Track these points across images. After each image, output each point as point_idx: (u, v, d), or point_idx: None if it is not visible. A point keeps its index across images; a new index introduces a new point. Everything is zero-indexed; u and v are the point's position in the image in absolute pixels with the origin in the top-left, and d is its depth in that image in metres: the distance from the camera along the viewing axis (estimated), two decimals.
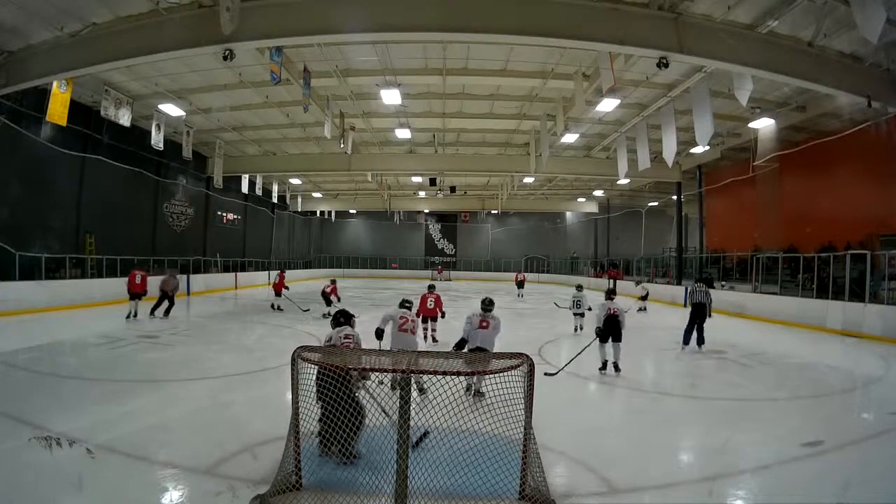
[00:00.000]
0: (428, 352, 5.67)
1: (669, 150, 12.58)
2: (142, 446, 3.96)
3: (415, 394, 3.01)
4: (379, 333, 5.75)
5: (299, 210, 32.89)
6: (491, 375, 3.12)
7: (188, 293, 17.48)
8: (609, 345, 6.98)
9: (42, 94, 11.43)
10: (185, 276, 16.82)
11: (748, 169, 16.43)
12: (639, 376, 7.18)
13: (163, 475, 3.51)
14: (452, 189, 26.56)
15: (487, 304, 5.79)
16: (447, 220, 40.10)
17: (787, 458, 4.04)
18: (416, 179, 26.16)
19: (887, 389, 6.80)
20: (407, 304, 6.26)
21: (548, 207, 33.96)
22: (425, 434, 3.10)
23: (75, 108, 12.50)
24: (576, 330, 10.73)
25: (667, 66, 9.10)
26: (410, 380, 2.90)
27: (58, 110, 10.91)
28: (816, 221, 14.82)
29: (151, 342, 8.86)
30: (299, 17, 8.79)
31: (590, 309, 10.18)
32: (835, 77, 9.97)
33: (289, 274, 15.42)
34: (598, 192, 30.16)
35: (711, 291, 9.72)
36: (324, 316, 12.11)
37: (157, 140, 14.47)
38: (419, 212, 38.85)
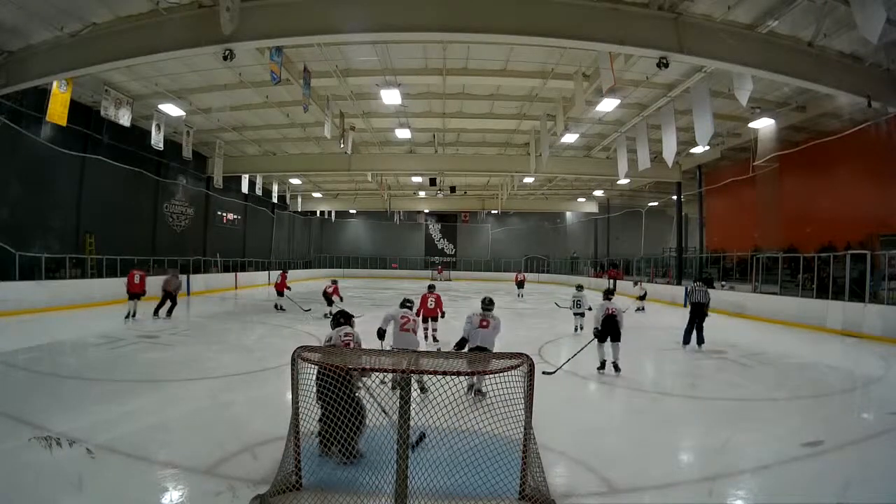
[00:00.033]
0: (429, 352, 5.68)
1: (669, 150, 12.58)
2: (142, 446, 3.96)
3: (415, 393, 3.01)
4: (381, 333, 5.79)
5: (299, 210, 32.89)
6: (491, 375, 3.13)
7: (188, 293, 17.48)
8: (608, 345, 6.99)
9: (42, 94, 11.43)
10: (185, 276, 16.80)
11: (748, 169, 16.43)
12: (639, 376, 7.18)
13: (163, 475, 3.51)
14: (452, 189, 26.57)
15: (487, 304, 5.81)
16: (447, 220, 40.11)
17: (787, 458, 4.04)
18: (416, 179, 26.16)
19: (887, 389, 6.80)
20: (408, 304, 6.28)
21: (548, 207, 33.96)
22: (422, 436, 3.10)
23: (75, 108, 12.51)
24: (576, 330, 10.74)
25: (667, 66, 9.10)
26: (410, 379, 2.91)
27: (58, 110, 10.91)
28: (816, 221, 14.82)
29: (151, 342, 8.86)
30: (299, 17, 8.79)
31: (590, 309, 10.18)
32: (835, 77, 9.97)
33: (289, 274, 15.41)
34: (598, 192, 30.17)
35: (710, 291, 9.74)
36: (325, 316, 12.11)
37: (157, 140, 14.47)
38: (419, 212, 38.85)
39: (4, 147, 12.37)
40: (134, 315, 11.23)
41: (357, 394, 3.53)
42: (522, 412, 3.09)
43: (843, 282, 11.64)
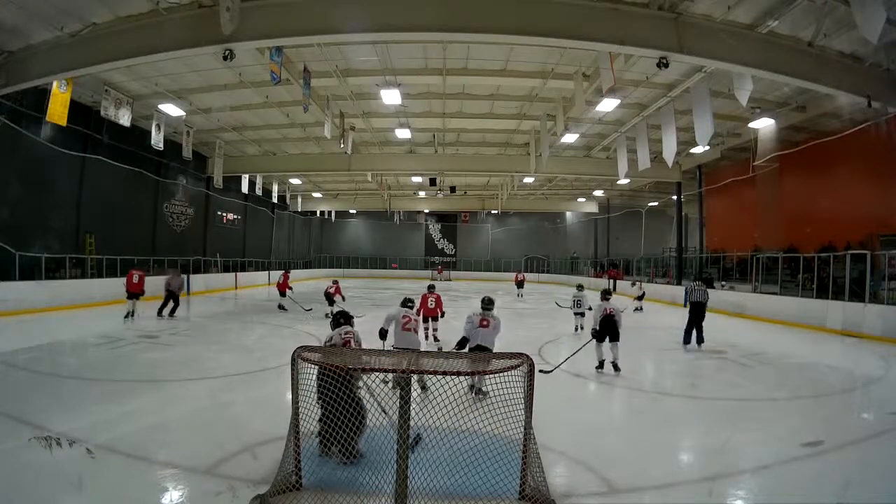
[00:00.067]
0: (429, 351, 5.69)
1: (669, 150, 12.58)
2: (142, 446, 3.96)
3: (415, 393, 3.01)
4: (383, 334, 5.84)
5: (299, 210, 32.89)
6: (491, 375, 3.13)
7: (188, 293, 17.47)
8: (606, 345, 7.02)
9: (42, 94, 11.43)
10: (185, 276, 16.81)
11: (748, 169, 16.43)
12: (639, 376, 7.18)
13: (163, 475, 3.51)
14: (452, 189, 26.57)
15: (487, 304, 5.85)
16: (447, 220, 40.11)
17: (787, 458, 4.04)
18: (416, 179, 26.16)
19: (887, 389, 6.80)
20: (409, 304, 6.32)
21: (548, 207, 33.96)
22: (418, 438, 3.10)
23: (75, 108, 12.51)
24: (576, 329, 10.75)
25: (667, 66, 9.10)
26: (410, 379, 2.91)
27: (58, 110, 10.91)
28: (816, 221, 14.82)
29: (151, 342, 8.86)
30: (299, 17, 8.79)
31: (590, 308, 10.19)
32: (835, 77, 9.97)
33: (290, 274, 15.40)
34: (598, 192, 30.17)
35: (709, 291, 9.77)
36: (326, 316, 12.11)
37: (157, 140, 14.47)
38: (419, 212, 38.86)
39: (4, 147, 12.37)
40: (133, 315, 11.26)
41: (358, 393, 3.53)
42: (522, 412, 3.09)
43: (843, 282, 11.64)
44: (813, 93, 11.98)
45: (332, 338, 4.36)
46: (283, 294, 14.32)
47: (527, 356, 3.09)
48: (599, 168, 21.08)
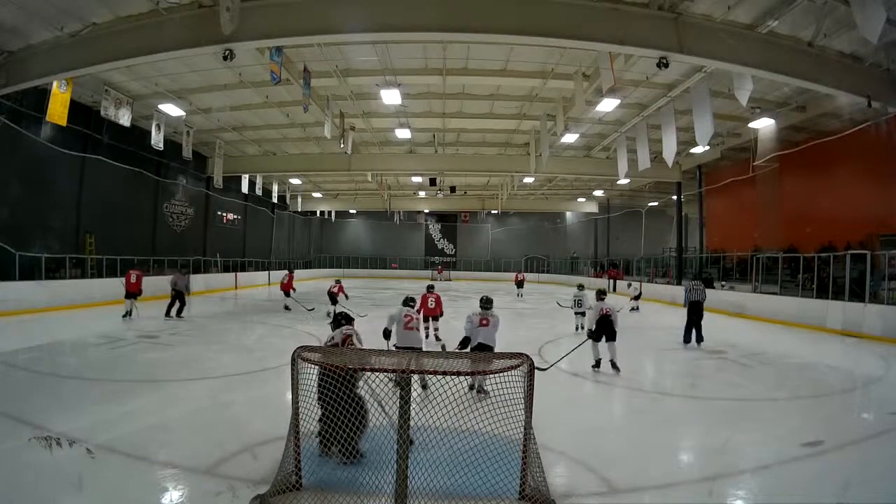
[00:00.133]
0: (430, 351, 5.70)
1: (669, 150, 12.58)
2: (142, 446, 3.96)
3: (415, 394, 3.00)
4: (387, 333, 5.92)
5: (299, 210, 32.89)
6: (491, 375, 3.13)
7: (188, 293, 17.46)
8: (603, 344, 7.06)
9: (42, 94, 11.43)
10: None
11: (748, 169, 16.43)
12: (638, 376, 7.19)
13: (163, 475, 3.51)
14: (452, 189, 26.57)
15: (485, 303, 5.95)
16: (447, 220, 40.11)
17: (787, 458, 4.03)
18: (416, 179, 26.16)
19: (887, 389, 6.80)
20: (411, 303, 6.39)
21: (548, 207, 33.96)
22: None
23: (75, 108, 12.51)
24: (577, 329, 10.75)
25: (667, 66, 9.10)
26: (410, 379, 2.91)
27: (58, 110, 10.91)
28: (816, 221, 14.82)
29: (151, 342, 8.86)
30: (299, 17, 8.79)
31: (591, 308, 10.22)
32: (835, 77, 9.97)
33: (283, 275, 15.42)
34: (598, 192, 30.17)
35: (709, 290, 9.81)
36: (328, 315, 12.10)
37: (157, 140, 14.47)
38: (419, 212, 38.86)
39: (4, 147, 12.37)
40: (131, 314, 11.31)
41: (359, 392, 3.54)
42: (522, 412, 3.09)
43: (843, 282, 11.64)
44: (813, 93, 11.98)
45: (333, 337, 4.37)
46: (287, 294, 14.35)
47: (527, 356, 3.10)
48: (599, 168, 21.08)
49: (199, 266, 21.42)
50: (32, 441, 3.77)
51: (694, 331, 9.36)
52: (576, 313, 10.89)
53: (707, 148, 16.98)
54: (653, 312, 15.76)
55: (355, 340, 4.28)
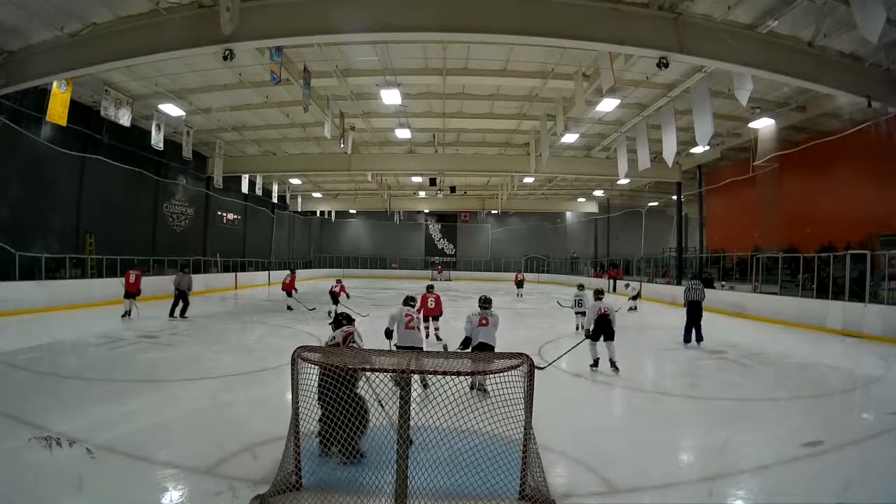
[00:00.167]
0: (430, 351, 5.71)
1: (669, 150, 12.58)
2: (142, 446, 3.96)
3: (415, 394, 3.00)
4: (389, 333, 5.96)
5: (299, 210, 32.89)
6: (491, 375, 3.13)
7: (190, 292, 17.47)
8: (601, 344, 7.08)
9: (42, 94, 11.43)
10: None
11: (748, 169, 16.43)
12: (639, 376, 7.20)
13: (163, 475, 3.51)
14: (452, 189, 26.57)
15: (484, 302, 5.99)
16: (447, 220, 40.11)
17: (787, 458, 4.03)
18: (416, 179, 26.16)
19: (887, 389, 6.80)
20: (412, 302, 6.42)
21: (548, 207, 33.96)
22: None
23: (75, 108, 12.51)
24: (577, 329, 10.75)
25: (667, 66, 9.10)
26: (410, 379, 2.91)
27: (58, 110, 10.91)
28: (816, 221, 14.82)
29: (151, 342, 8.86)
30: (299, 17, 8.79)
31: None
32: (835, 77, 9.97)
33: (285, 275, 15.43)
34: (598, 192, 30.17)
35: (708, 290, 9.85)
36: (329, 314, 12.11)
37: (157, 140, 14.47)
38: (419, 212, 38.85)
39: (4, 147, 12.37)
40: (130, 314, 11.34)
41: (359, 391, 3.54)
42: (522, 412, 3.09)
43: (843, 282, 11.64)
44: (813, 93, 11.98)
45: (334, 337, 4.38)
46: (289, 294, 14.37)
47: (527, 356, 3.10)
48: (599, 168, 21.08)
49: (199, 266, 21.42)
50: (32, 441, 3.77)
51: (694, 330, 9.44)
52: (576, 313, 10.91)
53: (707, 148, 16.98)
54: (653, 312, 15.76)
55: (356, 338, 4.28)
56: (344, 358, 3.50)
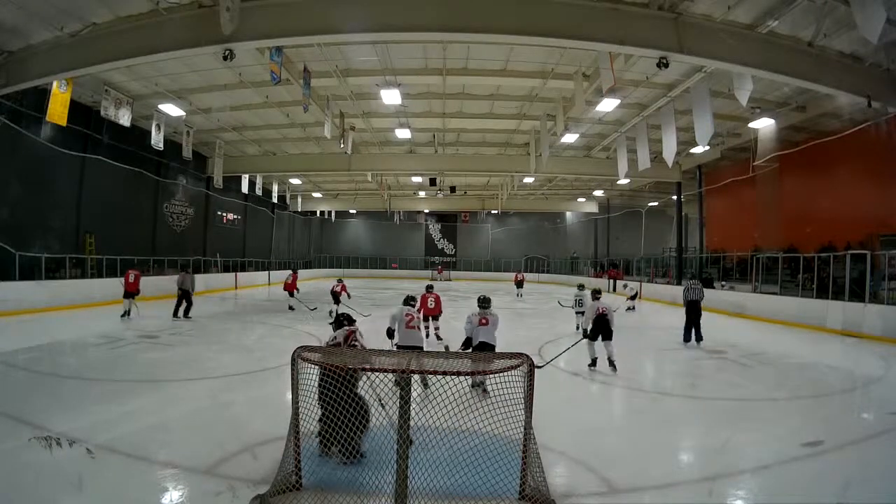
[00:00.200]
0: (431, 351, 5.72)
1: (669, 150, 12.58)
2: (142, 446, 3.96)
3: (415, 394, 3.00)
4: (390, 333, 6.01)
5: (299, 210, 32.89)
6: (491, 375, 3.13)
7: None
8: (599, 343, 7.10)
9: (42, 94, 11.43)
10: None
11: (748, 169, 16.43)
12: (639, 376, 7.20)
13: (163, 475, 3.52)
14: (452, 189, 26.57)
15: (483, 302, 6.02)
16: (447, 220, 40.10)
17: (787, 458, 4.04)
18: (416, 179, 26.16)
19: (887, 389, 6.80)
20: (412, 302, 6.46)
21: (548, 207, 33.96)
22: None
23: (75, 108, 12.50)
24: (578, 328, 10.75)
25: (667, 66, 9.10)
26: (410, 379, 2.91)
27: (58, 110, 10.91)
28: (816, 221, 14.82)
29: (151, 342, 8.86)
30: (299, 17, 8.79)
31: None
32: (835, 77, 9.97)
33: (287, 275, 15.43)
34: (598, 192, 30.16)
35: (708, 290, 9.89)
36: (330, 314, 12.11)
37: (157, 140, 14.47)
38: (419, 212, 38.85)
39: (4, 147, 12.36)
40: (129, 314, 11.35)
41: (360, 391, 3.54)
42: (522, 412, 3.09)
43: (843, 282, 11.64)
44: (813, 93, 11.98)
45: (335, 337, 4.38)
46: (291, 294, 14.39)
47: (527, 356, 3.10)
48: (599, 168, 21.08)
49: (200, 266, 21.41)
50: (32, 441, 3.77)
51: (693, 330, 9.48)
52: (576, 313, 10.90)
53: (707, 148, 16.98)
54: (653, 312, 15.76)
55: (358, 337, 4.29)
56: (344, 358, 3.50)
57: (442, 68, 12.28)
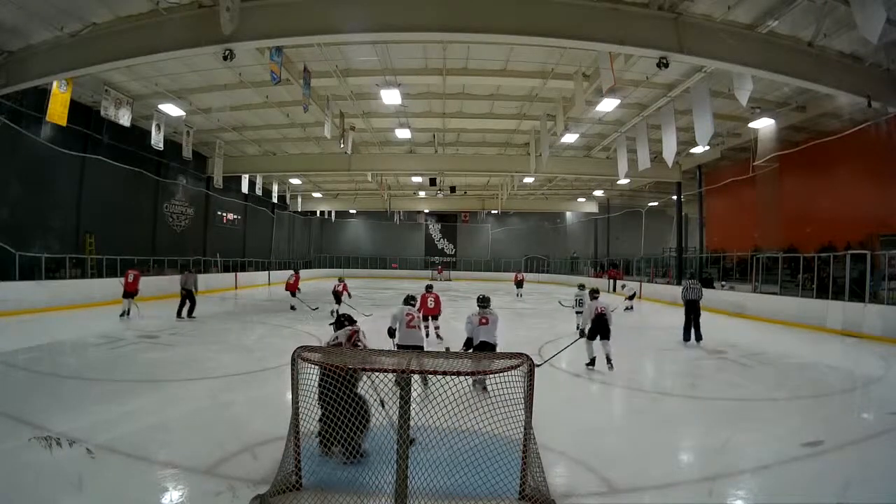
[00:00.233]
0: (431, 351, 5.72)
1: (669, 150, 12.58)
2: (142, 446, 3.96)
3: (415, 394, 3.00)
4: (391, 332, 6.03)
5: (299, 210, 32.88)
6: (491, 375, 3.13)
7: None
8: (597, 342, 7.12)
9: (42, 94, 11.43)
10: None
11: (748, 169, 16.43)
12: (638, 376, 7.20)
13: (163, 475, 3.52)
14: (452, 189, 26.56)
15: (482, 302, 6.06)
16: (447, 220, 40.10)
17: (787, 458, 4.03)
18: (416, 179, 26.16)
19: (887, 389, 6.80)
20: (412, 301, 6.50)
21: (548, 207, 33.95)
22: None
23: (75, 108, 12.50)
24: (578, 328, 10.76)
25: (667, 66, 9.09)
26: (410, 379, 2.91)
27: (58, 110, 10.91)
28: (816, 221, 14.81)
29: (151, 342, 8.86)
30: (299, 17, 8.79)
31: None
32: (835, 77, 9.97)
33: (289, 274, 15.43)
34: (598, 192, 30.16)
35: (708, 290, 9.91)
36: (331, 313, 12.10)
37: (157, 140, 14.47)
38: (419, 212, 38.84)
39: (4, 147, 12.36)
40: (128, 314, 11.36)
41: (360, 391, 3.54)
42: (522, 412, 3.09)
43: (843, 282, 11.64)
44: (813, 93, 11.98)
45: (336, 337, 4.38)
46: (293, 294, 14.40)
47: (527, 356, 3.10)
48: (599, 168, 21.08)
49: (200, 266, 21.42)
50: (32, 441, 3.77)
51: (693, 329, 9.52)
52: (577, 312, 10.90)
53: (707, 148, 16.97)
54: (653, 312, 15.76)
55: (361, 337, 4.30)
56: (344, 358, 3.50)
57: (442, 68, 12.28)
